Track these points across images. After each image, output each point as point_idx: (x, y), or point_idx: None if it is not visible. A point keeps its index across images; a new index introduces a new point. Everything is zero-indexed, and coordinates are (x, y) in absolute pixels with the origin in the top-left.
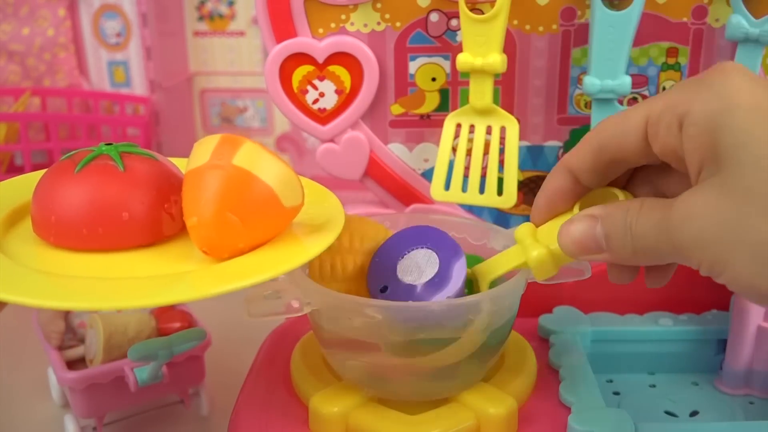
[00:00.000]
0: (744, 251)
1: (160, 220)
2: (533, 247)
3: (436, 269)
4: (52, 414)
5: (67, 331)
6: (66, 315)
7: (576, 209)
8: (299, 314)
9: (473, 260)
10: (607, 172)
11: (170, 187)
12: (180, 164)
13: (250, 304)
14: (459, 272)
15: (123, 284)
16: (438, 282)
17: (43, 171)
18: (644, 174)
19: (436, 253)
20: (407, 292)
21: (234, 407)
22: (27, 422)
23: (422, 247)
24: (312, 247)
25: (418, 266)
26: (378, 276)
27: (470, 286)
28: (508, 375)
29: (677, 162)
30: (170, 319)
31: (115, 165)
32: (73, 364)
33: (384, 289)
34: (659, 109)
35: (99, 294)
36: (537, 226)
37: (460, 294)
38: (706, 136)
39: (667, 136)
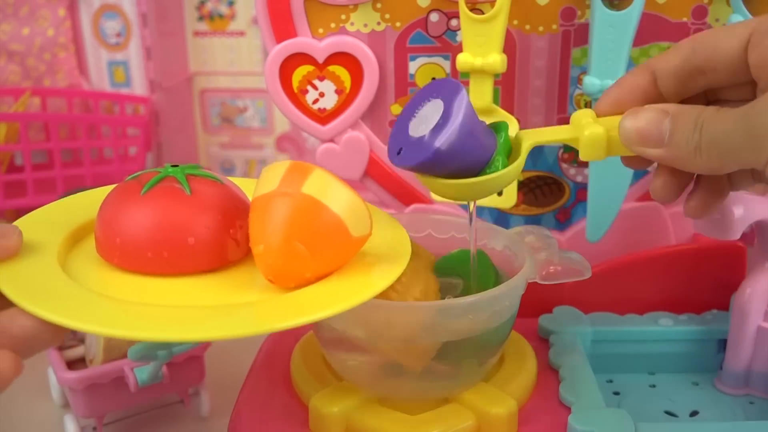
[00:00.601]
0: None
1: (225, 246)
2: (589, 125)
3: (440, 113)
4: (52, 414)
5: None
6: None
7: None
8: None
9: (479, 257)
10: (690, 81)
11: (236, 211)
12: (243, 185)
13: None
14: (458, 107)
15: (190, 314)
16: (441, 123)
17: (106, 188)
18: None
19: (441, 99)
20: (417, 145)
21: (234, 407)
22: (27, 422)
23: (429, 100)
24: (379, 280)
25: (426, 119)
26: (394, 143)
27: (507, 147)
28: (508, 375)
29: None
30: None
31: (181, 188)
32: (73, 364)
33: (399, 152)
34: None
35: (165, 324)
36: (599, 116)
37: (466, 128)
38: None
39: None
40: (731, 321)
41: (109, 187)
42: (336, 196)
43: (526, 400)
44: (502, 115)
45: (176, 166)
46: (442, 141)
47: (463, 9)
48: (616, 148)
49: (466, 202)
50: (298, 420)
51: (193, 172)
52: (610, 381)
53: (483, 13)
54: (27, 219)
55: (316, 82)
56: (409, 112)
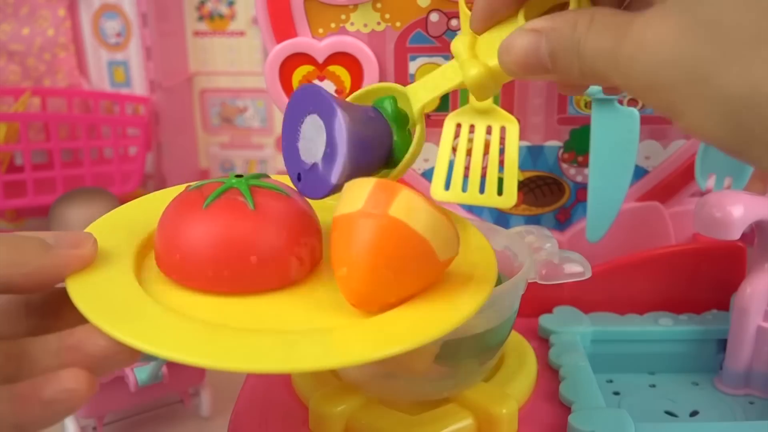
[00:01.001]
0: (701, 104)
1: (288, 264)
2: (471, 65)
3: (324, 137)
4: None
5: None
6: None
7: (520, 18)
8: None
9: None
10: None
11: (301, 228)
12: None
13: None
14: (339, 134)
15: (272, 341)
16: (330, 153)
17: (167, 191)
18: None
19: (320, 118)
20: (313, 174)
21: (234, 407)
22: None
23: (307, 115)
24: (467, 305)
25: (312, 140)
26: (291, 165)
27: (398, 115)
28: (508, 375)
29: None
30: None
31: (245, 202)
32: None
33: (299, 177)
34: None
35: (251, 353)
36: (477, 34)
37: (356, 148)
38: None
39: None
40: (731, 321)
41: (179, 188)
42: (424, 219)
43: (526, 400)
44: (502, 115)
45: (240, 176)
46: (337, 175)
47: (463, 9)
48: (504, 77)
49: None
50: (298, 420)
51: (257, 183)
52: (610, 381)
53: None
54: (99, 224)
55: (316, 82)
56: (292, 129)
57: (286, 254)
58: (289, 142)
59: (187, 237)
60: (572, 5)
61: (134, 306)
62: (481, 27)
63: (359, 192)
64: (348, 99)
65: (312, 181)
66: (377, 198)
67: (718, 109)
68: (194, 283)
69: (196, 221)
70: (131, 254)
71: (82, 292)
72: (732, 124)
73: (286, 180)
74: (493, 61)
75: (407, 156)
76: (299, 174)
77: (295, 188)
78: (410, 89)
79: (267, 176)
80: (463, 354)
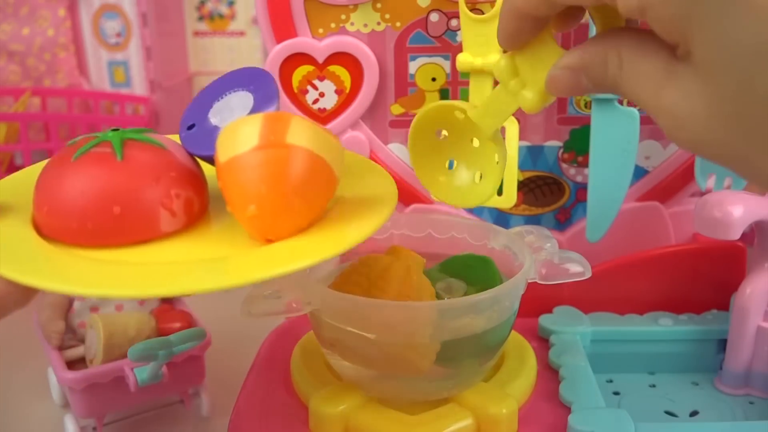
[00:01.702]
0: (749, 174)
1: (156, 217)
2: (525, 93)
3: (246, 112)
4: (52, 414)
5: (67, 331)
6: (66, 315)
7: (548, 36)
8: (299, 314)
9: (478, 259)
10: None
11: (173, 179)
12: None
13: (250, 303)
14: None
15: (163, 269)
16: None
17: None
18: None
19: (254, 99)
20: (210, 133)
21: (234, 407)
22: (27, 422)
23: (243, 90)
24: (363, 227)
25: (231, 109)
26: (190, 114)
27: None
28: (508, 375)
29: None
30: (170, 319)
31: (112, 154)
32: (73, 364)
33: (191, 127)
34: None
35: (138, 280)
36: (505, 50)
37: None
38: (677, 20)
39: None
40: (731, 321)
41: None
42: (318, 141)
43: (526, 400)
44: None
45: (117, 129)
46: None
47: (463, 9)
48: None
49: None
50: (298, 420)
51: (135, 136)
52: (610, 381)
53: (483, 13)
54: (2, 183)
55: (316, 82)
56: (218, 89)
57: (153, 205)
58: (207, 95)
59: (53, 190)
60: (597, 27)
61: (26, 248)
62: (509, 45)
63: (248, 130)
64: (417, 115)
65: (203, 138)
66: (271, 130)
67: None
68: (63, 236)
69: (62, 174)
70: (29, 209)
71: None
72: None
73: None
74: (540, 85)
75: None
76: (193, 125)
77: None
78: (476, 117)
79: (150, 131)
80: (463, 354)
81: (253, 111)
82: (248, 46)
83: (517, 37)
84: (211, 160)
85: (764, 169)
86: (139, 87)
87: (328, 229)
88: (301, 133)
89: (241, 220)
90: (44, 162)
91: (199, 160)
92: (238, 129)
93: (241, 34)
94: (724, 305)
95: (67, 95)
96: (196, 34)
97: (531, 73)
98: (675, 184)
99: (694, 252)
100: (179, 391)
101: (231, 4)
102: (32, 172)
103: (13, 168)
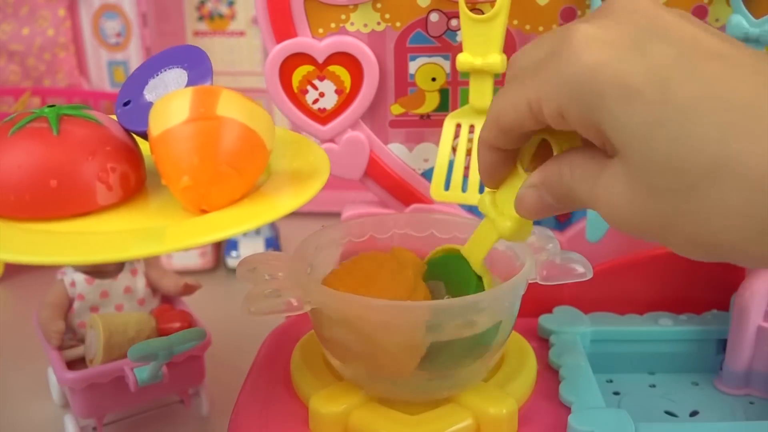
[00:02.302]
0: (679, 243)
1: (93, 189)
2: (502, 221)
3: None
4: (52, 414)
5: (67, 331)
6: (66, 315)
7: (519, 168)
8: (299, 312)
9: (451, 258)
10: (522, 138)
11: (109, 154)
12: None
13: (250, 301)
14: None
15: (105, 237)
16: None
17: None
18: None
19: (188, 74)
20: (144, 109)
21: (234, 407)
22: (27, 422)
23: (178, 67)
24: (292, 199)
25: (166, 85)
26: (126, 91)
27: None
28: (508, 375)
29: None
30: (170, 319)
31: (48, 128)
32: (73, 364)
33: (126, 104)
34: (536, 96)
35: (79, 247)
36: (490, 188)
37: None
38: (590, 127)
39: (556, 122)
40: (731, 321)
41: None
42: (248, 113)
43: (526, 400)
44: None
45: (53, 105)
46: None
47: (463, 9)
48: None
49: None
50: (298, 420)
51: (72, 112)
52: (610, 381)
53: (483, 13)
54: None
55: (316, 82)
56: (153, 67)
57: (89, 178)
58: (142, 72)
59: None
60: (555, 151)
61: None
62: (490, 183)
63: (178, 104)
64: (427, 260)
65: (135, 114)
66: (201, 103)
67: (698, 245)
68: (1, 209)
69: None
70: None
71: None
72: (714, 254)
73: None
74: (513, 212)
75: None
76: (129, 101)
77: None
78: (465, 251)
79: (87, 108)
80: (462, 354)
81: (188, 86)
82: (248, 46)
83: (493, 172)
84: (146, 136)
85: (681, 242)
86: None
87: (261, 199)
88: (231, 105)
89: (175, 192)
90: None
91: (135, 136)
92: (169, 103)
93: (241, 34)
94: (724, 305)
95: (67, 95)
96: (196, 34)
97: (507, 204)
98: None
99: None
100: (179, 391)
101: (231, 4)
102: None
103: None
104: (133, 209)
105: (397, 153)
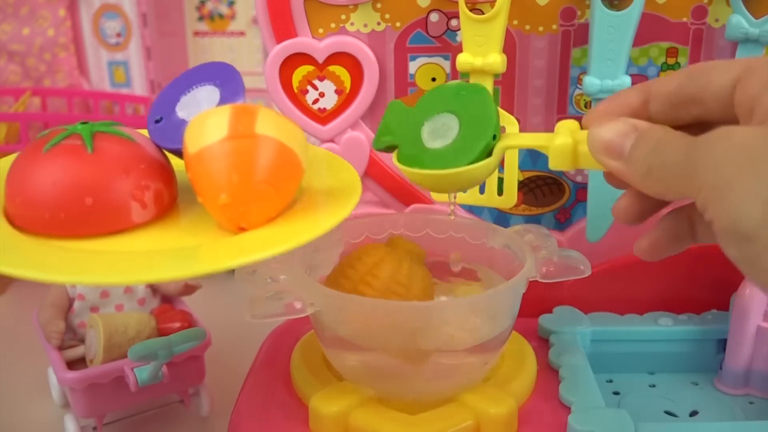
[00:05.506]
0: (749, 179)
1: (128, 207)
2: (561, 136)
3: (213, 107)
4: (52, 414)
5: (67, 331)
6: (66, 315)
7: None
8: (302, 315)
9: (471, 89)
10: (681, 108)
11: (143, 172)
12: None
13: (252, 304)
14: None
15: (135, 257)
16: None
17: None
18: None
19: (220, 91)
20: (177, 126)
21: (234, 407)
22: (27, 422)
23: (209, 84)
24: (329, 218)
25: (198, 102)
26: (158, 108)
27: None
28: (508, 375)
29: (746, 117)
30: (170, 319)
31: (83, 146)
32: (73, 364)
33: (158, 121)
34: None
35: (111, 268)
36: (583, 128)
37: None
38: None
39: (756, 86)
40: (731, 321)
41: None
42: (286, 131)
43: (526, 400)
44: (502, 115)
45: (86, 122)
46: None
47: (463, 9)
48: (583, 160)
49: (445, 193)
50: (298, 420)
51: (105, 129)
52: (610, 381)
53: (483, 13)
54: None
55: (316, 82)
56: (185, 84)
57: (124, 196)
58: (173, 89)
59: (25, 181)
60: None
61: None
62: (590, 125)
63: (216, 121)
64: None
65: (172, 132)
66: (239, 120)
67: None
68: (35, 227)
69: (34, 165)
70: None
71: None
72: None
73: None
74: (583, 145)
75: (471, 167)
76: (161, 118)
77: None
78: (504, 135)
79: (119, 124)
80: (463, 354)
81: (221, 104)
82: (248, 46)
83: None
84: (179, 153)
85: None
86: (139, 87)
87: (297, 218)
88: (268, 123)
89: (212, 210)
90: (13, 156)
91: (167, 153)
92: (207, 120)
93: (241, 34)
94: (724, 305)
95: (67, 95)
96: (196, 34)
97: (584, 137)
98: None
99: (694, 252)
100: (179, 391)
101: (231, 4)
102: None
103: None
104: (166, 227)
105: None
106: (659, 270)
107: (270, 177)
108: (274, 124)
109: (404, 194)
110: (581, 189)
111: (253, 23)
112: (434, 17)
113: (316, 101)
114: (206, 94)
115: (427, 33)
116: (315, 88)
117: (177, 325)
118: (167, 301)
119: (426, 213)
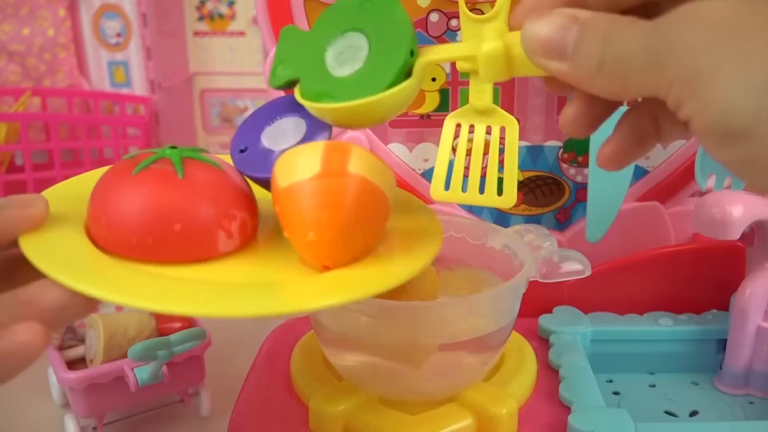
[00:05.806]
0: (736, 62)
1: (215, 236)
2: (489, 41)
3: (300, 138)
4: (52, 414)
5: (67, 331)
6: None
7: None
8: (302, 314)
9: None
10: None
11: (230, 201)
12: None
13: None
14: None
15: (228, 289)
16: None
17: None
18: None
19: (306, 123)
20: (264, 155)
21: (234, 407)
22: (27, 422)
23: (295, 116)
24: (413, 263)
25: (284, 133)
26: (242, 137)
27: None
28: (508, 375)
29: None
30: (170, 319)
31: (174, 171)
32: (73, 364)
33: (243, 150)
34: None
35: (205, 298)
36: (512, 29)
37: None
38: None
39: None
40: (731, 321)
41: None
42: (377, 172)
43: (526, 399)
44: (501, 115)
45: (175, 147)
46: None
47: (463, 9)
48: (520, 66)
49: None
50: (298, 420)
51: (192, 155)
52: (610, 381)
53: (483, 13)
54: (54, 190)
55: None
56: (268, 115)
57: (212, 225)
58: (257, 119)
59: (113, 203)
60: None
61: (87, 258)
62: (520, 24)
63: (309, 158)
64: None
65: (257, 161)
66: (333, 159)
67: (753, 74)
68: (120, 250)
69: (123, 188)
70: (83, 216)
71: (35, 248)
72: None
73: (229, 159)
74: (516, 47)
75: (389, 93)
76: (245, 148)
77: (232, 163)
78: (422, 50)
79: (204, 150)
80: (463, 354)
81: (307, 136)
82: (248, 46)
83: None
84: (264, 182)
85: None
86: (139, 87)
87: (381, 262)
88: (361, 162)
89: (298, 246)
90: (91, 173)
91: (249, 182)
92: (300, 156)
93: (241, 34)
94: (724, 305)
95: (67, 95)
96: (196, 34)
97: (515, 38)
98: (675, 184)
99: (694, 252)
100: (179, 391)
101: (231, 4)
102: (79, 182)
103: (13, 168)
104: (249, 257)
105: (397, 153)
106: (659, 270)
107: (359, 217)
108: (367, 163)
109: None
110: (581, 189)
111: (253, 23)
112: (434, 17)
113: None
114: (292, 125)
115: (427, 33)
116: None
117: (177, 325)
118: None
119: None
